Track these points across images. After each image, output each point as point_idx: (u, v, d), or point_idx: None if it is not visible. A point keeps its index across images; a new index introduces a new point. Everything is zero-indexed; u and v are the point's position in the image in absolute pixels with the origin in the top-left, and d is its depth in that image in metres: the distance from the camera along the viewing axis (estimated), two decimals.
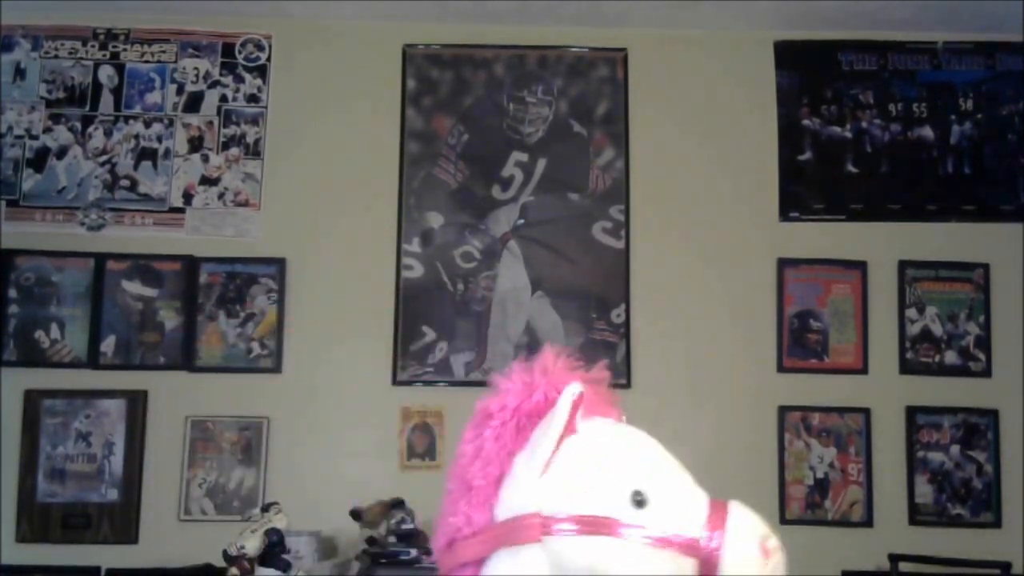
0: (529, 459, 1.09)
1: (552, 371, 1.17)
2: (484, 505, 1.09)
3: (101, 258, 3.44)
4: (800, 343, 3.48)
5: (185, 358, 3.41)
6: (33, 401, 3.35)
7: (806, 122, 3.60)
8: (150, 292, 3.44)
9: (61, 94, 3.54)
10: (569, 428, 1.09)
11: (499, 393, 1.18)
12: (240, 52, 3.58)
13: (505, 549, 1.06)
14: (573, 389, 1.09)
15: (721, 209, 3.54)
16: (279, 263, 3.46)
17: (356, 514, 2.98)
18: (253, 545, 2.72)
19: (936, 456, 3.44)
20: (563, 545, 1.04)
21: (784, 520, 3.38)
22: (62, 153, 3.51)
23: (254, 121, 3.55)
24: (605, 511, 1.04)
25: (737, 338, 3.46)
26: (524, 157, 3.55)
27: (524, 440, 1.12)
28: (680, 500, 1.05)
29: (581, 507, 1.05)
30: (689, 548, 1.03)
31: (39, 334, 3.40)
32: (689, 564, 1.03)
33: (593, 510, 1.05)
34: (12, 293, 3.41)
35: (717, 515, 1.05)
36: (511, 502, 1.08)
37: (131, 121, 3.53)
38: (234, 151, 3.53)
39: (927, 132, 3.60)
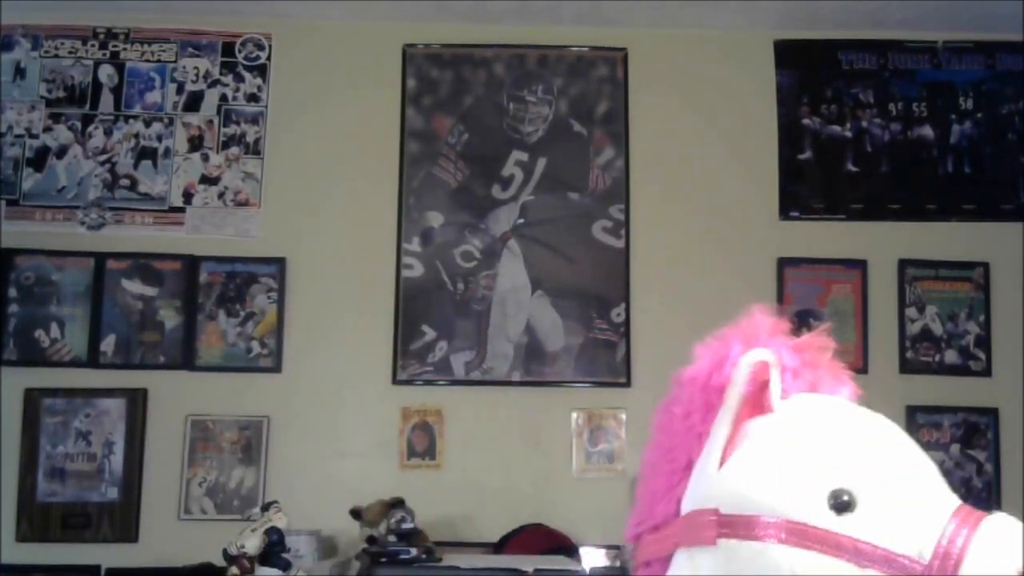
0: (709, 444, 0.93)
1: (754, 336, 0.96)
2: (670, 494, 0.94)
3: (101, 257, 3.44)
4: None
5: (185, 357, 3.41)
6: (33, 400, 3.36)
7: (806, 121, 3.60)
8: (150, 291, 3.44)
9: (61, 93, 3.54)
10: (757, 406, 0.92)
11: (692, 363, 1.00)
12: (240, 52, 3.58)
13: (683, 549, 0.90)
14: (754, 356, 0.92)
15: (721, 208, 3.54)
16: (279, 263, 3.46)
17: (356, 513, 2.98)
18: (253, 544, 2.72)
19: (936, 455, 3.43)
20: (738, 550, 0.86)
21: None
22: (62, 152, 3.51)
23: (254, 120, 3.55)
24: (790, 512, 0.84)
25: None
26: (524, 156, 3.55)
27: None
28: (905, 506, 0.82)
29: (760, 505, 0.86)
30: (901, 568, 0.79)
31: (39, 333, 3.40)
32: None
33: (776, 510, 0.85)
34: (12, 292, 3.41)
35: (961, 527, 0.79)
36: (695, 494, 0.92)
37: (131, 120, 3.53)
38: (234, 150, 3.53)
39: (927, 132, 3.60)
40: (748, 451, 0.89)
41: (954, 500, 0.84)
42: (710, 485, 0.89)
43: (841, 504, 0.82)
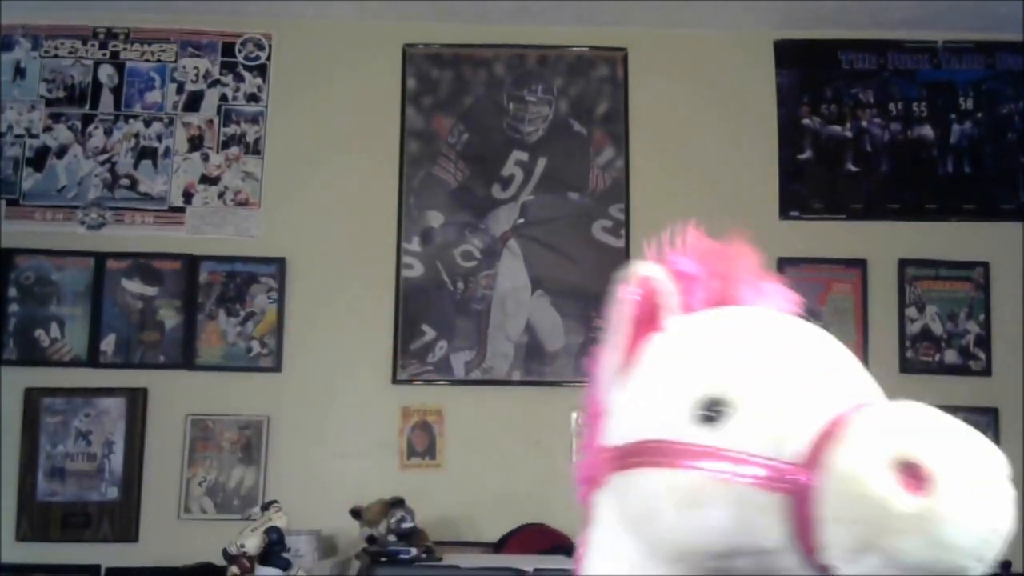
0: (604, 376, 0.86)
1: (667, 257, 0.88)
2: (593, 445, 0.87)
3: (101, 257, 3.44)
4: None
5: (185, 357, 3.41)
6: (33, 400, 3.36)
7: (806, 121, 3.60)
8: (150, 291, 3.44)
9: (61, 93, 3.54)
10: (647, 325, 0.84)
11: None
12: (240, 52, 3.58)
13: (595, 496, 0.84)
14: (639, 271, 0.84)
15: (721, 208, 3.53)
16: (279, 262, 3.46)
17: (356, 513, 2.98)
18: (253, 544, 2.72)
19: None
20: (619, 484, 0.80)
21: None
22: (62, 152, 3.51)
23: (254, 120, 3.55)
24: (659, 431, 0.77)
25: None
26: (524, 156, 3.55)
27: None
28: (786, 408, 0.73)
29: (637, 430, 0.80)
30: (771, 480, 0.71)
31: (39, 333, 3.40)
32: (773, 505, 0.71)
33: (647, 432, 0.78)
34: (12, 292, 3.41)
35: (835, 426, 0.71)
36: (602, 434, 0.85)
37: (131, 120, 3.53)
38: (234, 150, 3.53)
39: (927, 132, 3.60)
40: (633, 376, 0.83)
41: (864, 397, 0.78)
42: (608, 420, 0.84)
43: (711, 413, 0.75)
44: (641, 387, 0.82)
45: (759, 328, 0.85)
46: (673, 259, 0.90)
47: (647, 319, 0.85)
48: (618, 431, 0.82)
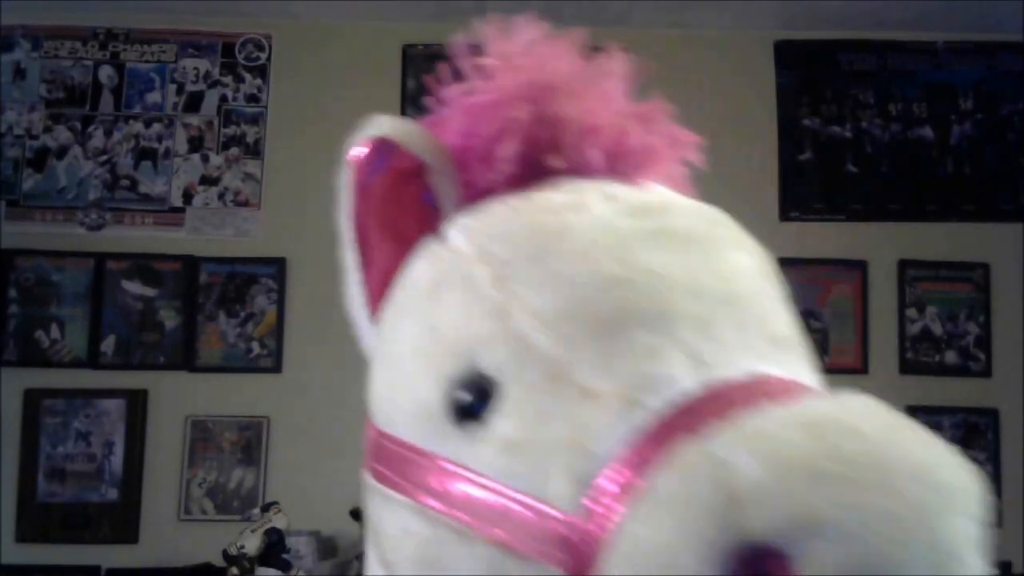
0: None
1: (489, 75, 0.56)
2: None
3: (101, 258, 3.44)
4: None
5: (185, 358, 3.41)
6: (33, 401, 3.35)
7: (806, 122, 3.60)
8: (150, 292, 3.44)
9: (61, 94, 3.54)
10: (408, 224, 0.55)
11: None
12: (240, 52, 3.58)
13: None
14: (370, 130, 0.56)
15: (721, 208, 3.53)
16: (279, 263, 3.46)
17: (356, 513, 2.98)
18: (253, 545, 2.72)
19: None
20: (371, 496, 0.58)
21: None
22: (62, 153, 3.51)
23: (254, 121, 3.55)
24: (406, 424, 0.55)
25: None
26: None
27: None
28: (589, 392, 0.46)
29: (386, 415, 0.59)
30: (534, 540, 0.45)
31: (39, 334, 3.40)
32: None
33: (395, 422, 0.56)
34: (12, 293, 3.41)
35: (658, 438, 0.44)
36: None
37: (131, 121, 3.53)
38: (234, 151, 3.53)
39: (927, 132, 3.60)
40: (386, 321, 0.58)
41: (754, 367, 0.48)
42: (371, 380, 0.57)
43: (469, 403, 0.49)
44: (391, 344, 0.58)
45: (586, 230, 0.51)
46: (455, 99, 0.54)
47: (405, 214, 0.56)
48: (375, 406, 0.60)
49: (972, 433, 3.44)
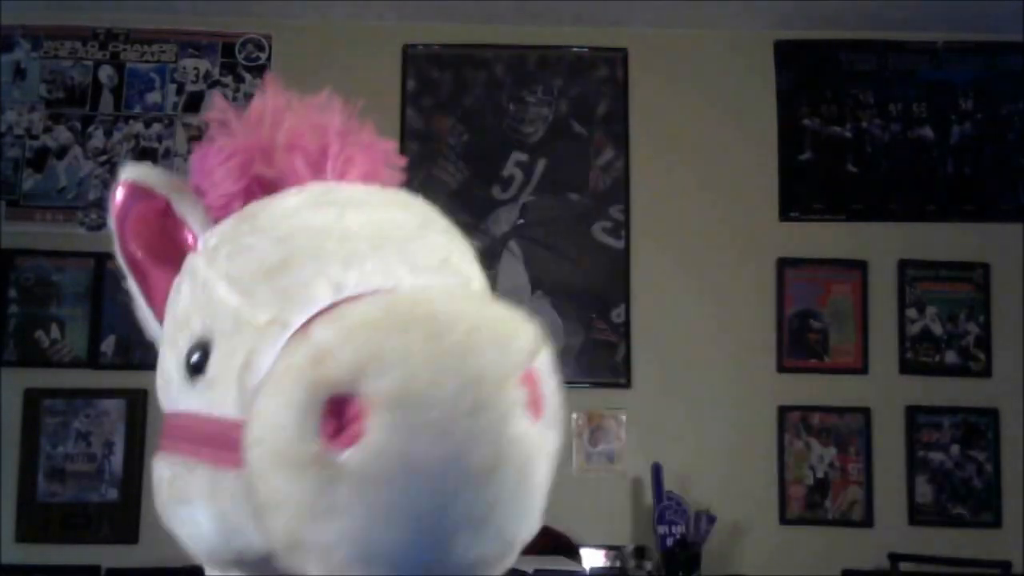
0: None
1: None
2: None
3: (101, 258, 3.44)
4: (800, 343, 3.48)
5: None
6: (33, 401, 3.35)
7: (806, 122, 3.60)
8: None
9: (61, 94, 3.54)
10: (170, 242, 0.69)
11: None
12: (240, 52, 3.58)
13: None
14: (127, 175, 0.71)
15: (721, 209, 3.54)
16: None
17: None
18: None
19: (936, 456, 3.43)
20: None
21: (784, 520, 3.38)
22: (62, 153, 3.51)
23: None
24: (166, 393, 0.68)
25: (737, 338, 3.46)
26: (524, 157, 3.55)
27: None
28: (264, 331, 0.59)
29: (163, 393, 0.69)
30: (225, 451, 0.57)
31: (39, 334, 3.40)
32: (228, 482, 0.58)
33: (165, 397, 0.68)
34: (12, 293, 3.41)
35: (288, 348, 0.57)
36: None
37: (131, 121, 3.53)
38: None
39: (927, 132, 3.60)
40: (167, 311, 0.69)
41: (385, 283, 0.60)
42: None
43: (196, 363, 0.63)
44: (165, 335, 0.69)
45: (272, 212, 0.66)
46: (202, 147, 0.71)
47: (169, 241, 0.69)
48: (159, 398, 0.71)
49: (972, 433, 3.44)
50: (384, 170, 0.78)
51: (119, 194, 0.70)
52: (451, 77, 3.58)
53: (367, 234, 0.63)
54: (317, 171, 0.70)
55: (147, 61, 3.57)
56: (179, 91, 3.55)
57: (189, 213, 0.69)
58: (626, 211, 3.52)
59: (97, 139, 3.51)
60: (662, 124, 3.58)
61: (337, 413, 0.52)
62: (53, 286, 3.42)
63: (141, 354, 3.40)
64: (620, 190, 3.53)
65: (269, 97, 0.74)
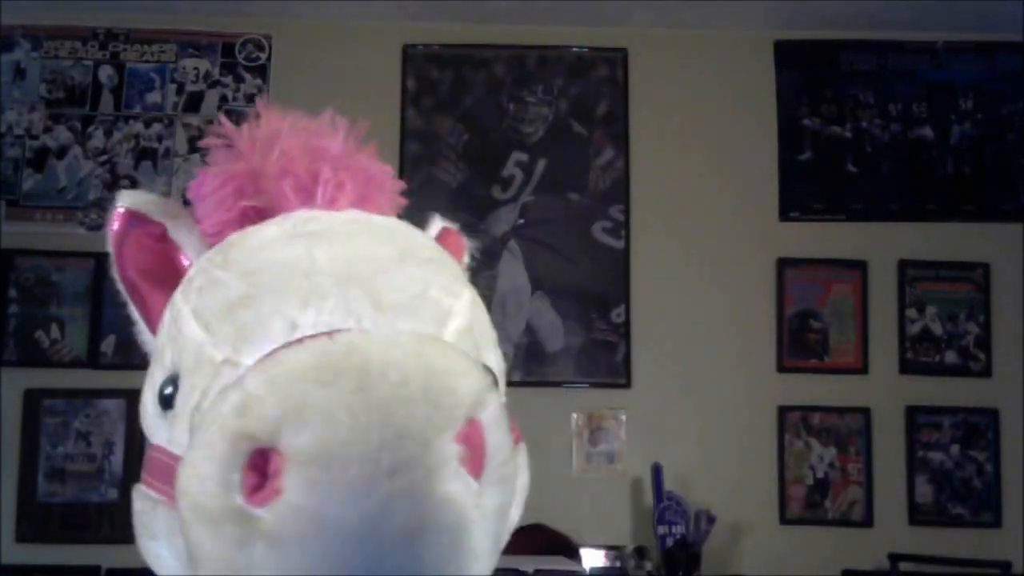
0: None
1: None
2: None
3: (101, 258, 3.44)
4: (800, 343, 3.48)
5: None
6: (33, 401, 3.35)
7: (806, 122, 3.60)
8: None
9: (61, 94, 3.54)
10: (166, 267, 0.69)
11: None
12: (240, 52, 3.58)
13: None
14: (122, 201, 0.70)
15: (721, 209, 3.54)
16: None
17: None
18: None
19: (936, 456, 3.43)
20: None
21: (784, 520, 3.38)
22: (62, 153, 3.51)
23: None
24: (145, 423, 0.68)
25: (737, 338, 3.46)
26: (524, 157, 3.55)
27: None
28: (222, 365, 0.58)
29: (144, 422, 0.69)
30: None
31: (39, 334, 3.40)
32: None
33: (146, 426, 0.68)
34: (12, 293, 3.41)
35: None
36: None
37: (131, 121, 3.53)
38: None
39: (927, 132, 3.60)
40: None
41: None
42: None
43: (166, 395, 0.63)
44: (153, 361, 0.69)
45: (246, 243, 0.64)
46: (202, 172, 0.70)
47: (165, 266, 0.70)
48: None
49: (972, 433, 3.44)
50: (378, 195, 0.74)
51: (115, 221, 0.70)
52: (451, 77, 3.58)
53: (334, 269, 0.61)
54: (306, 198, 0.67)
55: (147, 61, 3.57)
56: (179, 91, 3.55)
57: (184, 239, 0.69)
58: (626, 211, 3.52)
59: (97, 139, 3.51)
60: (662, 124, 3.58)
61: (260, 467, 0.51)
62: (53, 286, 3.42)
63: (141, 354, 3.40)
64: (620, 190, 3.53)
65: (264, 121, 0.71)
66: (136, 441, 3.34)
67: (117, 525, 3.32)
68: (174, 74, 3.56)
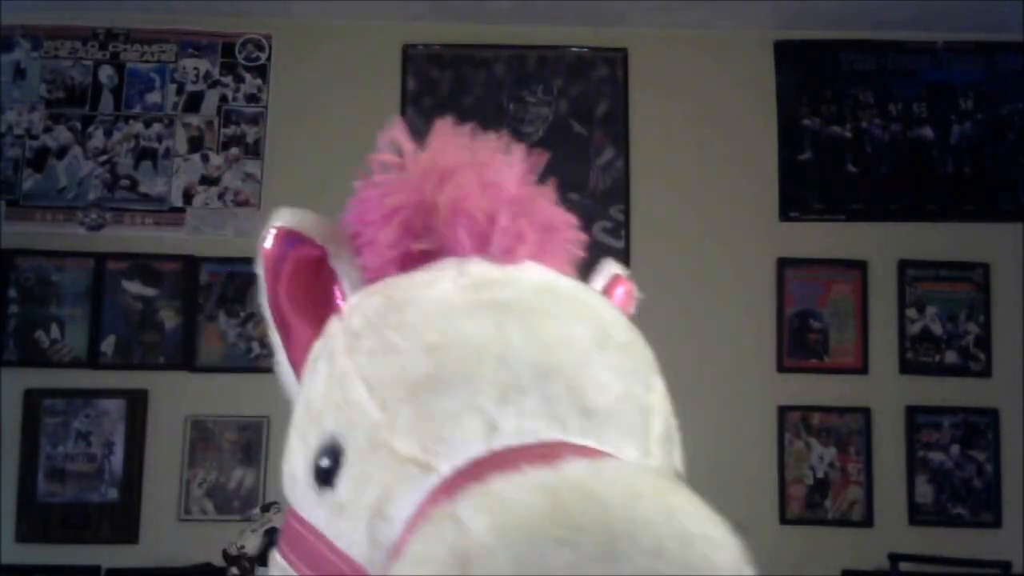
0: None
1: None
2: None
3: (101, 258, 3.44)
4: (800, 343, 3.48)
5: (185, 358, 3.41)
6: (33, 401, 3.35)
7: (806, 122, 3.60)
8: (150, 292, 3.44)
9: (61, 94, 3.54)
10: (318, 298, 0.61)
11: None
12: (240, 52, 3.58)
13: None
14: (277, 220, 0.64)
15: (721, 209, 3.54)
16: None
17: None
18: (253, 544, 2.71)
19: (936, 456, 3.43)
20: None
21: (784, 520, 3.38)
22: (62, 153, 3.51)
23: (254, 121, 3.55)
24: (291, 491, 0.60)
25: (737, 338, 3.46)
26: None
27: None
28: (404, 454, 0.51)
29: (287, 486, 0.61)
30: None
31: (39, 334, 3.40)
32: None
33: (290, 492, 0.61)
34: (12, 293, 3.41)
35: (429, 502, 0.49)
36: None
37: (131, 121, 3.53)
38: (234, 151, 3.53)
39: (927, 132, 3.60)
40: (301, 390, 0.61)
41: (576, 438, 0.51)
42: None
43: (326, 468, 0.54)
44: (296, 415, 0.61)
45: (424, 303, 0.56)
46: (361, 196, 0.62)
47: (317, 296, 0.61)
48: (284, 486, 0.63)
49: (972, 433, 3.44)
50: (556, 247, 0.66)
51: (270, 240, 0.63)
52: (451, 77, 3.58)
53: (531, 357, 0.53)
54: (480, 244, 0.60)
55: (147, 61, 3.57)
56: (179, 91, 3.55)
57: (344, 270, 0.61)
58: (626, 211, 3.52)
59: (97, 139, 3.51)
60: (662, 124, 3.58)
61: None
62: (53, 286, 3.42)
63: (141, 354, 3.41)
64: (620, 190, 3.53)
65: (438, 144, 0.64)
66: (136, 441, 3.35)
67: (117, 525, 3.32)
68: (174, 74, 3.56)
